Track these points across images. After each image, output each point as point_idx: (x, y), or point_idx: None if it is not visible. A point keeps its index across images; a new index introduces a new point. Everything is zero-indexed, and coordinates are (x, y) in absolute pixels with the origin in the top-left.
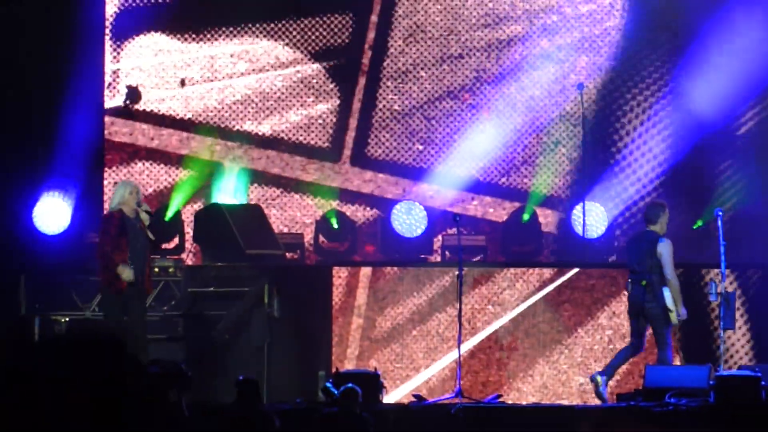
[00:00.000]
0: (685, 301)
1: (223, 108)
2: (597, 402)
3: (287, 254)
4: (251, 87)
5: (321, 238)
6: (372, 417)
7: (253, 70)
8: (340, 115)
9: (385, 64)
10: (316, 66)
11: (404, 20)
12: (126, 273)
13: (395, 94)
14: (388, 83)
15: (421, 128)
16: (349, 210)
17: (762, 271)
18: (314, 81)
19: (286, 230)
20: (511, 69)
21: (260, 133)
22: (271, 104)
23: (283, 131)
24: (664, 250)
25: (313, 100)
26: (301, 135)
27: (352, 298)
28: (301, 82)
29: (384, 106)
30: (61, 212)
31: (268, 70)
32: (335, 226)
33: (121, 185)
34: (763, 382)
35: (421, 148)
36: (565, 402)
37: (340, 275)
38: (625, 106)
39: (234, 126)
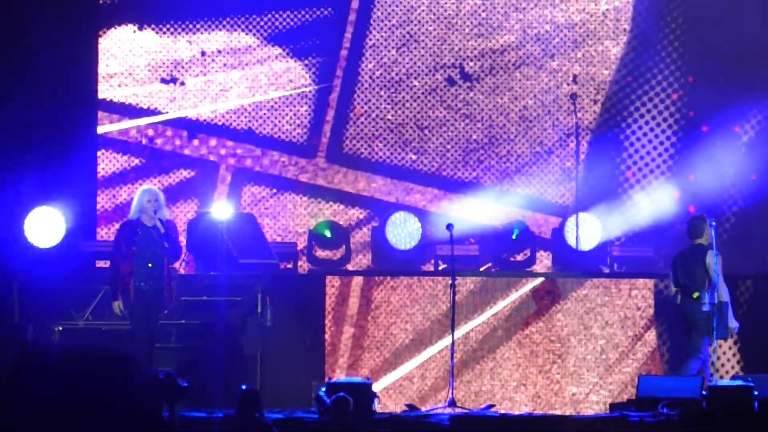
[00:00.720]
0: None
1: (216, 113)
2: (589, 411)
3: (280, 263)
4: (240, 86)
5: (314, 247)
6: (363, 426)
7: (239, 66)
8: (317, 109)
9: (378, 73)
10: (297, 62)
11: (398, 30)
12: (114, 306)
13: (389, 104)
14: (382, 92)
15: (415, 137)
16: (343, 214)
17: (752, 283)
18: (295, 76)
19: (279, 239)
20: (504, 78)
21: (252, 131)
22: (257, 105)
23: (263, 126)
24: (713, 262)
25: (295, 97)
26: (276, 130)
27: (344, 308)
28: (287, 79)
29: (377, 115)
30: (53, 226)
31: (252, 67)
32: (328, 235)
33: (140, 192)
34: (755, 393)
35: (414, 157)
36: (558, 412)
37: (333, 284)
38: (630, 119)
39: (224, 124)
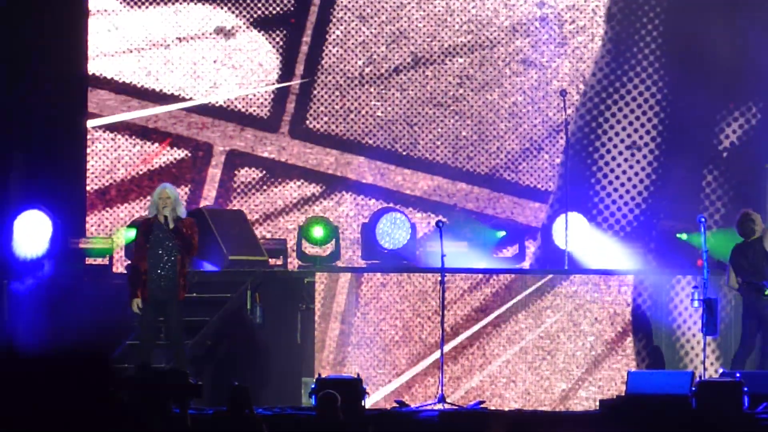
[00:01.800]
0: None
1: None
2: (579, 408)
3: (270, 260)
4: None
5: (304, 244)
6: (353, 423)
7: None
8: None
9: (368, 69)
10: (258, 33)
11: (387, 26)
12: (132, 304)
13: (378, 100)
14: (371, 89)
15: (404, 134)
16: (334, 203)
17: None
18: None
19: (269, 236)
20: (493, 75)
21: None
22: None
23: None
24: None
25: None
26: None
27: (334, 304)
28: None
29: (366, 112)
30: (40, 229)
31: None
32: (315, 236)
33: (155, 190)
34: (745, 388)
35: (403, 153)
36: (548, 408)
37: (322, 281)
38: (609, 114)
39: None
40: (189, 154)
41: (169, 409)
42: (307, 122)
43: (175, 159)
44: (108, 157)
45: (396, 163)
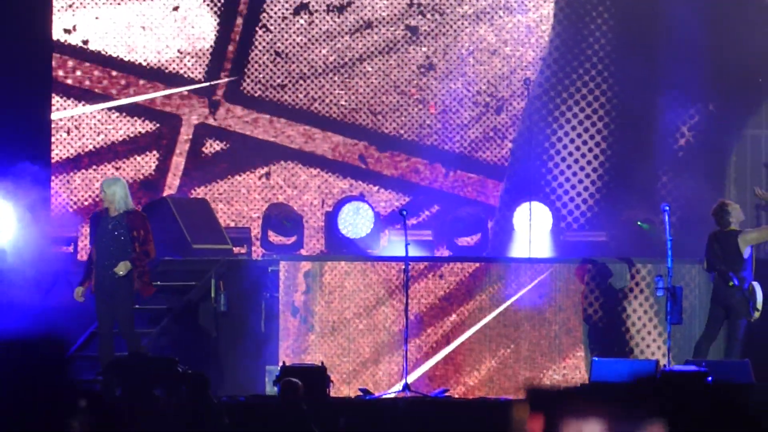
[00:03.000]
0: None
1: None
2: None
3: (234, 249)
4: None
5: (268, 233)
6: (318, 411)
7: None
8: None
9: (332, 59)
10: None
11: (351, 15)
12: (75, 291)
13: (341, 89)
14: (335, 78)
15: (368, 123)
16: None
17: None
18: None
19: (233, 224)
20: (457, 63)
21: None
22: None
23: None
24: (742, 244)
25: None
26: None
27: (298, 292)
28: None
29: (330, 100)
30: (6, 219)
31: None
32: (286, 223)
33: None
34: (709, 378)
35: (367, 143)
36: (512, 396)
37: (286, 269)
38: (564, 103)
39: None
40: (156, 126)
41: (156, 396)
42: (270, 106)
43: (137, 133)
44: (72, 145)
45: (366, 143)
